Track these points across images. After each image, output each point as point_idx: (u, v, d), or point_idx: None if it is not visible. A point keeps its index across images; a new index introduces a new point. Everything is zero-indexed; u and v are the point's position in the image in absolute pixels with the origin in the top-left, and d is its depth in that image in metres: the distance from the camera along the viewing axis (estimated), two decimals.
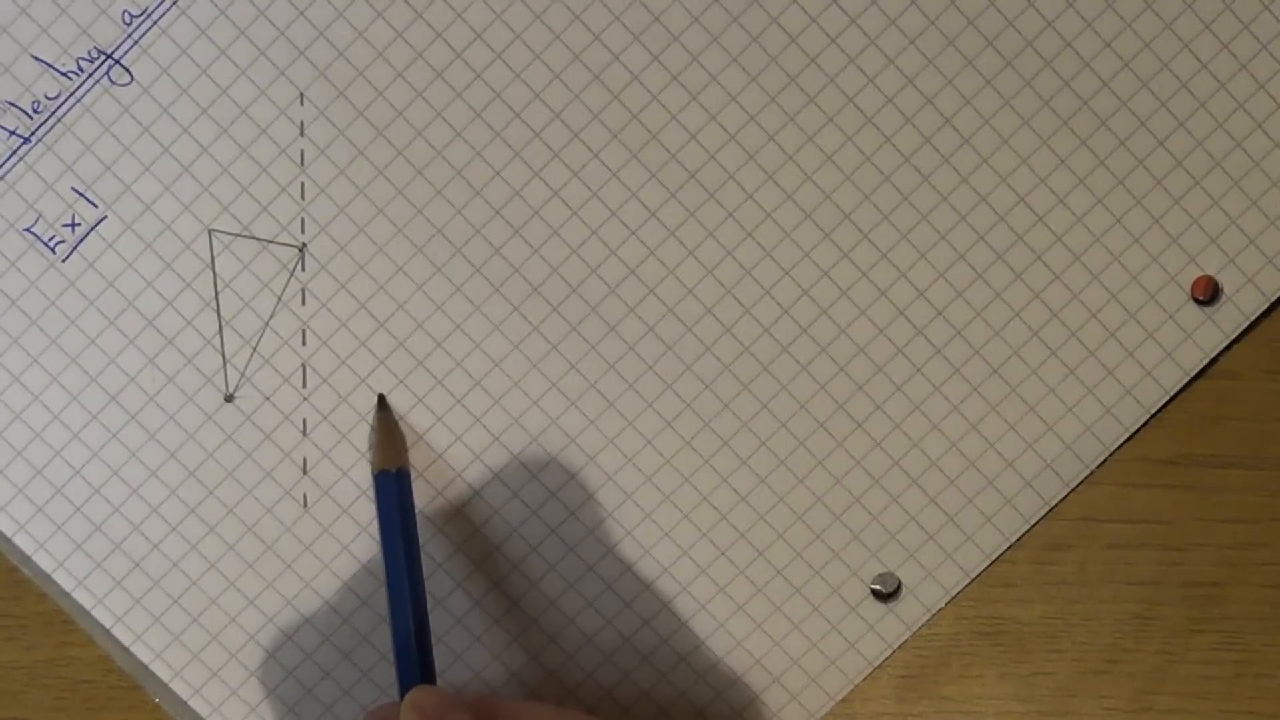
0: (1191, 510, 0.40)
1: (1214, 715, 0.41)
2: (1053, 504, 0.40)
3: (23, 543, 0.39)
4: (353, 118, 0.38)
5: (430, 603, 0.39)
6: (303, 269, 0.38)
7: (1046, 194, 0.39)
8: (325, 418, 0.39)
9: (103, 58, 0.37)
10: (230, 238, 0.38)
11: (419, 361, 0.39)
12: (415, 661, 0.35)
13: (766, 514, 0.40)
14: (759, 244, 0.39)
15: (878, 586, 0.40)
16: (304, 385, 0.39)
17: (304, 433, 0.39)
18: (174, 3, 0.37)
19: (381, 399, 0.38)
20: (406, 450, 0.38)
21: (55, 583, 0.39)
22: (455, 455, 0.39)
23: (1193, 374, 0.40)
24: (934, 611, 0.40)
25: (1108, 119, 0.39)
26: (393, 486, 0.37)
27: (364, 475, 0.39)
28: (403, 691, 0.35)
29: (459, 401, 0.39)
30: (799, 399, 0.39)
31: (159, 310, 0.38)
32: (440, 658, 0.39)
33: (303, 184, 0.38)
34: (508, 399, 0.39)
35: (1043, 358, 0.39)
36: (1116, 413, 0.40)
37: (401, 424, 0.39)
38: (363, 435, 0.39)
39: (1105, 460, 0.40)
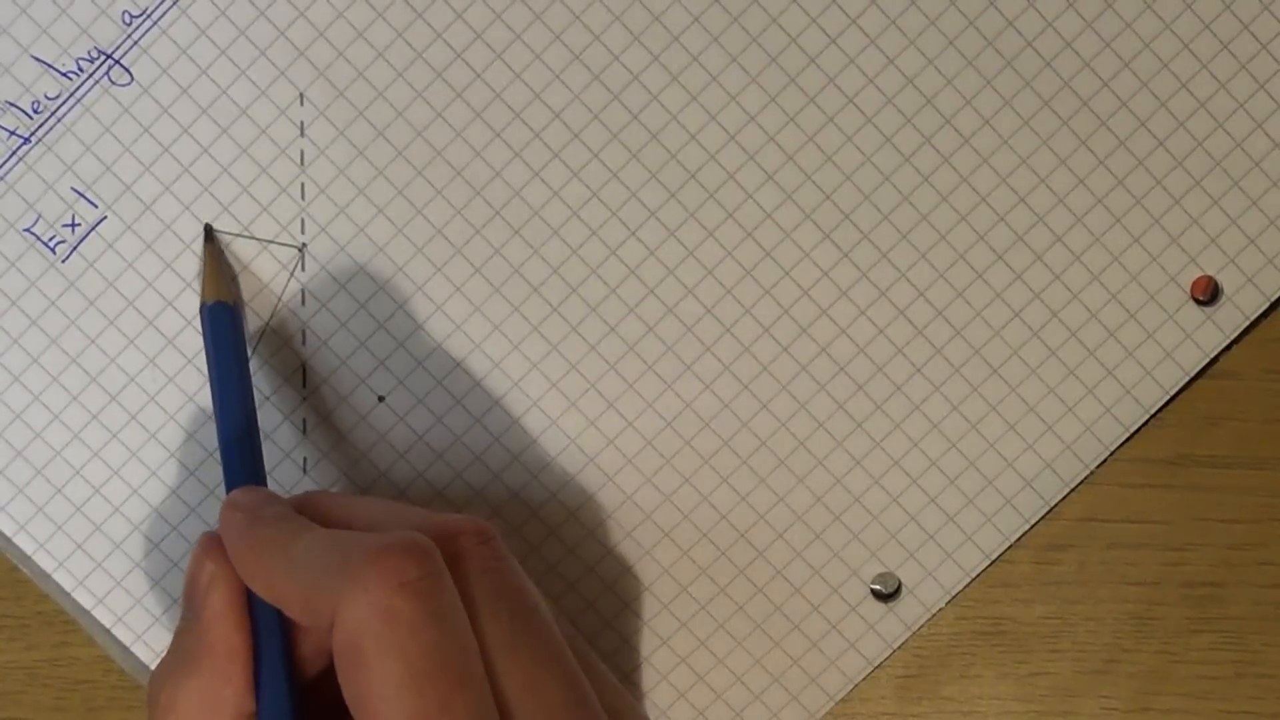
0: (1191, 510, 0.40)
1: (1214, 715, 0.41)
2: (1053, 504, 0.40)
3: (23, 543, 0.39)
4: (353, 118, 0.38)
5: None
6: (302, 269, 0.38)
7: (1046, 194, 0.39)
8: (325, 418, 0.39)
9: (103, 58, 0.37)
10: (230, 238, 0.38)
11: (419, 362, 0.39)
12: (242, 468, 0.35)
13: (766, 514, 0.40)
14: (759, 244, 0.39)
15: (878, 586, 0.40)
16: (304, 385, 0.39)
17: (304, 432, 0.39)
18: (174, 3, 0.37)
19: (208, 229, 0.38)
20: (236, 283, 0.38)
21: (55, 582, 0.39)
22: (455, 455, 0.39)
23: (1193, 374, 0.40)
24: (934, 611, 0.40)
25: (1108, 119, 0.39)
26: (223, 319, 0.37)
27: (364, 475, 0.39)
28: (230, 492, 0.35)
29: (459, 402, 0.39)
30: (799, 399, 0.39)
31: (159, 310, 0.38)
32: None
33: (303, 184, 0.38)
34: (508, 399, 0.39)
35: (1043, 358, 0.39)
36: (1116, 413, 0.40)
37: (401, 424, 0.39)
38: (363, 435, 0.39)
39: (1105, 460, 0.40)
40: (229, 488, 0.35)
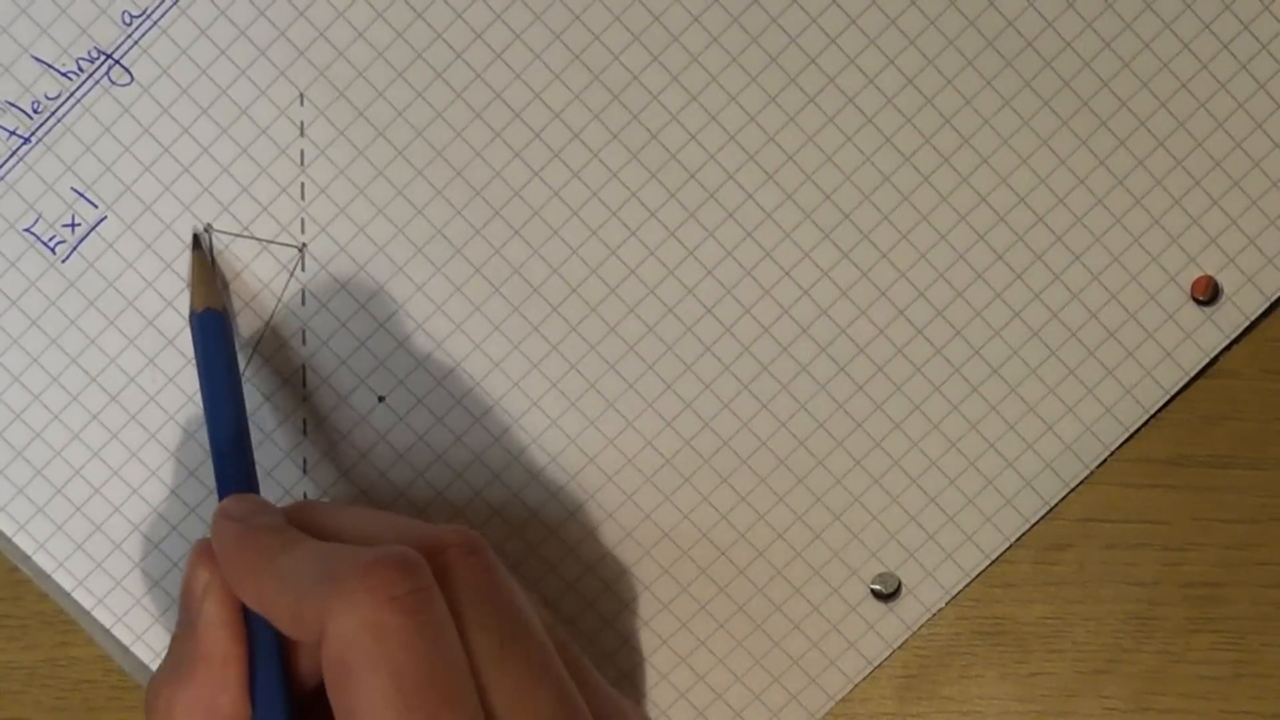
0: (1191, 510, 0.40)
1: (1214, 715, 0.41)
2: (1053, 504, 0.40)
3: (23, 543, 0.39)
4: (353, 118, 0.38)
5: None
6: (302, 269, 0.38)
7: (1046, 194, 0.39)
8: (325, 418, 0.39)
9: (103, 58, 0.37)
10: (230, 238, 0.38)
11: (419, 362, 0.39)
12: (235, 475, 0.35)
13: (766, 514, 0.40)
14: (759, 244, 0.39)
15: (878, 586, 0.40)
16: (304, 385, 0.39)
17: (304, 433, 0.39)
18: (174, 3, 0.37)
19: (196, 238, 0.38)
20: (227, 289, 0.38)
21: (55, 583, 0.39)
22: (455, 456, 0.39)
23: (1193, 374, 0.40)
24: (934, 611, 0.40)
25: (1108, 119, 0.39)
26: (213, 327, 0.37)
27: (364, 475, 0.39)
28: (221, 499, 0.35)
29: (459, 402, 0.39)
30: (799, 399, 0.39)
31: (159, 310, 0.38)
32: None
33: (303, 184, 0.38)
34: (507, 399, 0.39)
35: (1043, 358, 0.39)
36: (1116, 413, 0.40)
37: (401, 424, 0.39)
38: (363, 435, 0.39)
39: (1105, 460, 0.40)
40: (221, 496, 0.35)
